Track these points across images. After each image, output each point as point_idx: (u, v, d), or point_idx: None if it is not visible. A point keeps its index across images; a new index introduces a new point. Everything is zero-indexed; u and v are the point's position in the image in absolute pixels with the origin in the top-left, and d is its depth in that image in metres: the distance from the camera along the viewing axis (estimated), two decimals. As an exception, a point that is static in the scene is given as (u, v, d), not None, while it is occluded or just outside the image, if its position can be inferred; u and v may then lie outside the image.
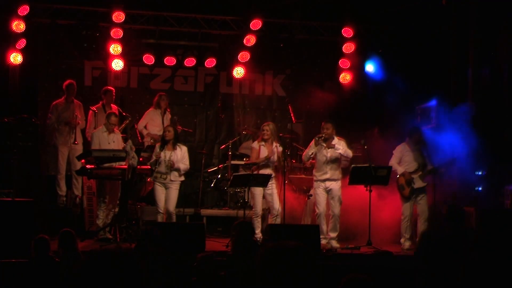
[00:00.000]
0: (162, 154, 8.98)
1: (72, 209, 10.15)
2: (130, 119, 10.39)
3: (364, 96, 11.71)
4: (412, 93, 11.22)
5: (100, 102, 10.61)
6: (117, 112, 10.00)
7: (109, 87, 10.73)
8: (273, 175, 9.20)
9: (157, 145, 9.26)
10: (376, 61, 11.63)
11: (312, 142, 10.06)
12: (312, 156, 9.08)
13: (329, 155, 9.07)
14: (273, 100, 12.59)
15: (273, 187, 9.16)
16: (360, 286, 3.01)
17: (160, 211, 9.03)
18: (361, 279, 2.93)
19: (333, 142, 9.08)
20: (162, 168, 9.00)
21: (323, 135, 9.03)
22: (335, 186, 9.07)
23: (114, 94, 10.66)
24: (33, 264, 6.18)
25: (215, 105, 12.34)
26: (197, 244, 8.11)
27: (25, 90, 10.70)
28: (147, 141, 10.70)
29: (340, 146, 9.03)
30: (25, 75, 10.62)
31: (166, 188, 9.05)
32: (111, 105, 10.57)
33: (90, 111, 10.44)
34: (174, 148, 9.08)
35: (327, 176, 9.06)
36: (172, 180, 9.04)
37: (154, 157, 9.07)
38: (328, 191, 9.08)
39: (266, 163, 9.20)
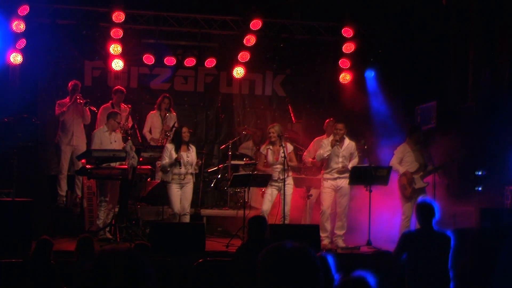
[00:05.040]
0: (181, 155, 8.98)
1: (72, 209, 10.16)
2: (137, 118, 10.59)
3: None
4: (412, 93, 11.23)
5: (110, 102, 10.62)
6: (126, 112, 10.10)
7: (120, 87, 10.75)
8: (287, 175, 9.12)
9: (169, 146, 9.16)
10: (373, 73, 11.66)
11: (312, 145, 10.09)
12: (326, 157, 9.09)
13: (341, 154, 9.10)
14: (273, 100, 12.60)
15: (289, 188, 9.12)
16: (360, 287, 3.00)
17: (177, 213, 9.00)
18: (360, 280, 2.92)
19: (345, 143, 9.12)
20: (183, 169, 8.99)
21: (338, 136, 9.04)
22: (346, 184, 9.10)
23: (124, 94, 10.66)
24: (30, 266, 6.17)
25: (215, 105, 12.35)
26: (197, 244, 8.10)
27: (25, 90, 10.70)
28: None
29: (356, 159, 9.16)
30: (25, 75, 10.62)
31: (182, 187, 9.05)
32: (121, 104, 10.58)
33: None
34: (188, 149, 9.11)
35: (339, 174, 9.10)
36: (192, 180, 9.13)
37: (167, 158, 8.98)
38: (338, 189, 9.11)
39: (276, 165, 9.17)
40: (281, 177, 9.11)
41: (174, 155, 8.94)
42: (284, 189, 9.06)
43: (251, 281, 5.87)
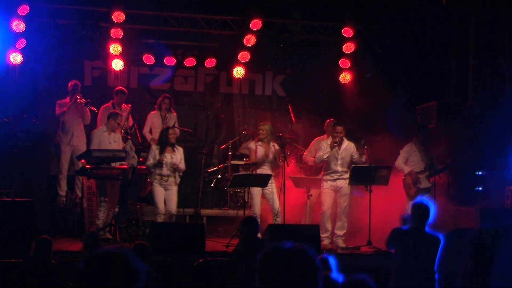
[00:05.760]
0: (165, 157, 8.96)
1: (72, 209, 10.16)
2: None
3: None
4: (412, 93, 11.23)
5: (111, 102, 10.60)
6: (126, 112, 10.11)
7: (121, 88, 10.73)
8: (272, 174, 9.19)
9: (154, 147, 9.20)
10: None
11: (312, 144, 10.10)
12: (326, 159, 9.10)
13: (340, 155, 9.11)
14: (273, 100, 12.62)
15: (272, 186, 9.16)
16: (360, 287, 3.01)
17: (161, 212, 8.99)
18: (360, 281, 2.93)
19: (343, 145, 9.12)
20: (164, 170, 8.98)
21: (338, 139, 9.04)
22: (345, 184, 9.12)
23: (126, 95, 10.64)
24: (30, 265, 6.17)
25: (215, 105, 12.35)
26: (197, 244, 8.10)
27: (25, 90, 10.69)
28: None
29: (362, 159, 9.12)
30: (25, 75, 10.62)
31: (166, 189, 9.03)
32: (122, 104, 10.57)
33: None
34: (173, 150, 9.08)
35: (338, 175, 9.11)
36: (176, 183, 9.05)
37: (151, 159, 9.02)
38: (338, 189, 9.12)
39: (264, 162, 9.21)
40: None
41: (158, 156, 8.95)
42: (272, 188, 9.11)
43: (248, 281, 5.92)
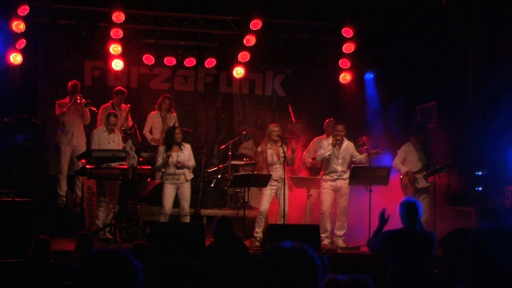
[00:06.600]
0: (172, 155, 8.97)
1: (72, 209, 10.16)
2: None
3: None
4: (412, 93, 11.23)
5: (110, 102, 10.59)
6: (126, 112, 10.10)
7: (121, 88, 10.73)
8: (284, 175, 9.16)
9: (161, 147, 9.20)
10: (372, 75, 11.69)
11: (311, 145, 10.10)
12: (327, 156, 9.09)
13: (340, 155, 9.10)
14: (273, 100, 12.61)
15: (286, 188, 9.12)
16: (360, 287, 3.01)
17: (167, 212, 8.99)
18: (360, 281, 2.93)
19: (344, 145, 9.12)
20: (172, 169, 8.99)
21: (339, 137, 9.04)
22: (345, 184, 9.11)
23: (125, 95, 10.63)
24: (29, 265, 6.17)
25: (215, 105, 12.35)
26: (197, 244, 8.10)
27: (25, 90, 10.69)
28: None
29: (362, 158, 9.12)
30: (25, 75, 10.62)
31: (179, 188, 9.04)
32: (122, 104, 10.57)
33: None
34: (180, 149, 9.09)
35: (338, 175, 9.11)
36: (187, 180, 9.07)
37: (160, 160, 9.03)
38: (338, 189, 9.11)
39: (276, 163, 9.18)
40: (281, 177, 9.10)
41: (165, 156, 8.97)
42: (284, 189, 9.07)
43: (221, 281, 5.95)
